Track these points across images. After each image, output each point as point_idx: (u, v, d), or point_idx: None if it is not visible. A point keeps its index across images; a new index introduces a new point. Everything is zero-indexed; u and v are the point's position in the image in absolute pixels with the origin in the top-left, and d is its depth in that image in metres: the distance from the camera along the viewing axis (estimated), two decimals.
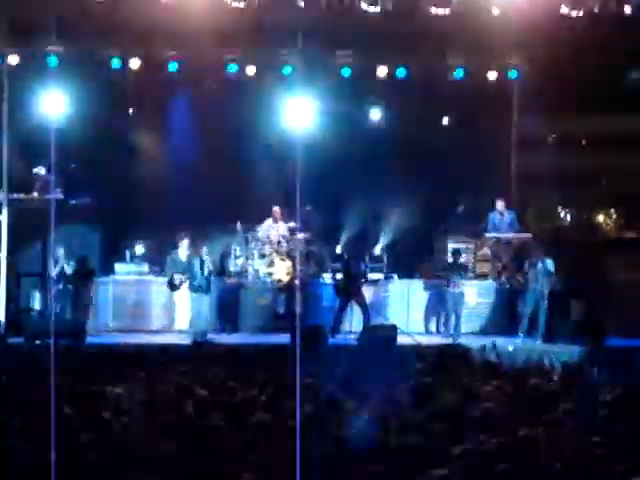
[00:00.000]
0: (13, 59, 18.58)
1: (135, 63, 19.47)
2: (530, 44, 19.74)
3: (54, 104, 19.95)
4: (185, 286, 18.30)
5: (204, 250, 18.23)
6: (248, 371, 13.10)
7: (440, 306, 19.18)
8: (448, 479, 8.09)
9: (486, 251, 20.23)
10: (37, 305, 18.33)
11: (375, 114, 21.39)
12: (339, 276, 19.14)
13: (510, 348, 17.24)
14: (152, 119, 20.87)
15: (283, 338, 17.53)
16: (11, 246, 17.58)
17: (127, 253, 19.67)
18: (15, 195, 18.33)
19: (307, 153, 21.24)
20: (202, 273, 18.02)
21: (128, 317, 18.88)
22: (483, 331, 19.42)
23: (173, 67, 19.69)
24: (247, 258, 19.79)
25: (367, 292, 19.04)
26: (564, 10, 18.01)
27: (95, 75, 19.45)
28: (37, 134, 19.64)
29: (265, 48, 19.86)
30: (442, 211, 20.84)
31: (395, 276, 20.15)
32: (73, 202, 19.10)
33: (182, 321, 18.62)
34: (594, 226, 22.95)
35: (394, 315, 18.88)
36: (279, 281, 19.49)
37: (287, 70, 20.09)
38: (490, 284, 19.93)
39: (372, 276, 19.59)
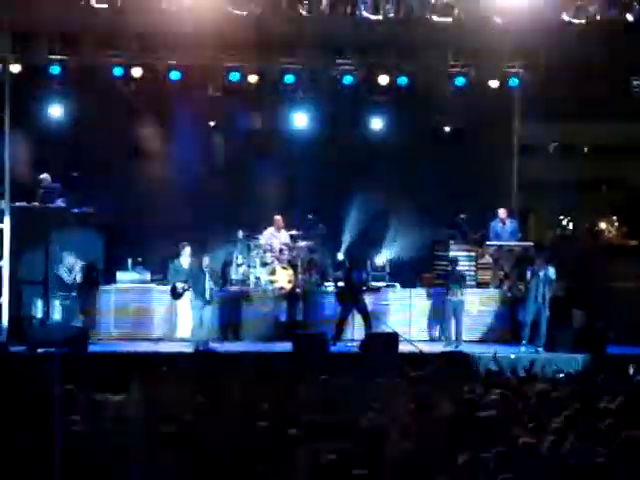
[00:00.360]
0: (15, 68, 18.58)
1: (137, 72, 19.47)
2: (532, 52, 19.75)
3: (56, 113, 20.12)
4: (187, 294, 18.30)
5: (205, 259, 18.22)
6: (250, 379, 13.11)
7: (440, 314, 19.15)
8: None
9: (488, 259, 20.22)
10: (39, 313, 18.32)
11: (376, 123, 21.39)
12: (341, 284, 19.13)
13: (512, 356, 17.24)
14: (154, 128, 20.88)
15: (285, 346, 17.54)
16: (13, 254, 17.54)
17: (129, 261, 19.66)
18: (17, 203, 18.33)
19: (309, 161, 21.47)
20: (203, 282, 18.00)
21: (130, 325, 18.87)
22: (485, 339, 19.41)
23: (175, 75, 19.69)
24: (249, 266, 19.78)
25: (369, 300, 19.03)
26: (566, 18, 18.00)
27: (97, 83, 19.44)
28: (40, 142, 19.79)
29: (267, 56, 19.86)
30: (444, 219, 20.82)
31: (397, 284, 20.14)
32: (75, 211, 19.10)
33: (184, 329, 18.61)
34: (596, 234, 22.97)
35: (396, 323, 18.86)
36: (281, 289, 19.49)
37: (289, 78, 20.09)
38: (492, 292, 19.93)
39: (374, 284, 19.58)
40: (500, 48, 19.52)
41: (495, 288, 20.03)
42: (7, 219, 17.49)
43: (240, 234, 20.07)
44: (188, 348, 17.62)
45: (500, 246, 20.09)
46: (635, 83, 19.52)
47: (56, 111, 20.06)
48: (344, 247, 20.76)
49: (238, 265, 19.85)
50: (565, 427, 10.16)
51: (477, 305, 19.62)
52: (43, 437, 9.71)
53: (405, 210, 20.47)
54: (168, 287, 18.65)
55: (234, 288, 19.57)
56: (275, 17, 18.61)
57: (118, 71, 19.40)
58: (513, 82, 20.55)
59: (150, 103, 20.19)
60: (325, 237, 20.52)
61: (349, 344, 18.46)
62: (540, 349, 18.22)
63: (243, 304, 19.28)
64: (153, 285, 19.39)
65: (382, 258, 20.51)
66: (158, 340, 18.54)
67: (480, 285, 20.10)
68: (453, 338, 18.64)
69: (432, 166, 20.77)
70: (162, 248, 19.71)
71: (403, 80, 20.29)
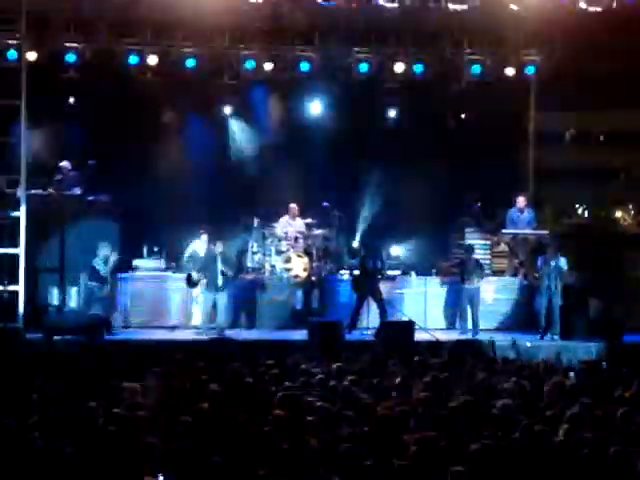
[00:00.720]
0: (31, 55, 18.62)
1: (153, 59, 19.49)
2: (547, 40, 19.70)
3: (72, 100, 20.18)
4: (203, 282, 18.34)
5: (218, 246, 18.23)
6: (266, 367, 13.13)
7: (457, 302, 19.13)
8: (465, 475, 8.09)
9: (503, 247, 20.19)
10: (55, 301, 18.39)
11: (392, 111, 21.38)
12: (356, 272, 19.13)
13: (528, 344, 17.22)
14: (170, 116, 20.90)
15: (301, 334, 17.55)
16: (29, 241, 17.59)
17: (145, 249, 19.69)
18: (33, 191, 18.37)
19: (324, 149, 21.45)
20: (215, 269, 18.01)
21: (146, 313, 18.91)
22: (501, 327, 19.38)
23: (191, 63, 19.71)
24: (264, 254, 19.79)
25: (384, 288, 19.02)
26: (582, 5, 17.93)
27: (113, 71, 19.48)
28: (56, 130, 19.84)
29: (282, 44, 19.85)
30: (459, 207, 20.78)
31: (413, 272, 20.13)
32: (91, 198, 19.14)
33: (200, 317, 18.62)
34: (612, 222, 22.88)
35: (411, 311, 18.85)
36: (296, 277, 19.49)
37: (304, 66, 20.08)
38: (508, 280, 19.90)
39: (389, 272, 19.57)
40: (516, 36, 19.47)
41: (511, 276, 20.01)
42: (23, 207, 17.53)
43: (255, 222, 20.08)
44: (203, 336, 17.64)
45: (516, 234, 20.05)
46: None
47: (72, 99, 20.12)
48: (359, 235, 20.76)
49: (253, 253, 19.86)
50: (580, 415, 10.15)
51: (493, 293, 19.59)
52: (59, 423, 9.78)
53: (421, 198, 20.43)
54: (184, 275, 18.68)
55: (249, 276, 19.59)
56: (291, 5, 18.60)
57: (134, 59, 19.43)
58: (529, 70, 20.50)
59: (166, 90, 20.19)
60: (340, 225, 20.51)
61: (365, 332, 18.45)
62: (556, 337, 18.18)
63: (258, 292, 19.28)
64: (169, 273, 19.42)
65: (398, 246, 20.50)
66: (174, 328, 18.57)
67: (496, 273, 20.08)
68: (469, 326, 18.62)
69: (448, 154, 20.72)
70: (178, 236, 19.75)
71: (419, 68, 20.26)
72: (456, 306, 19.18)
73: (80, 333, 16.54)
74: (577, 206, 23.34)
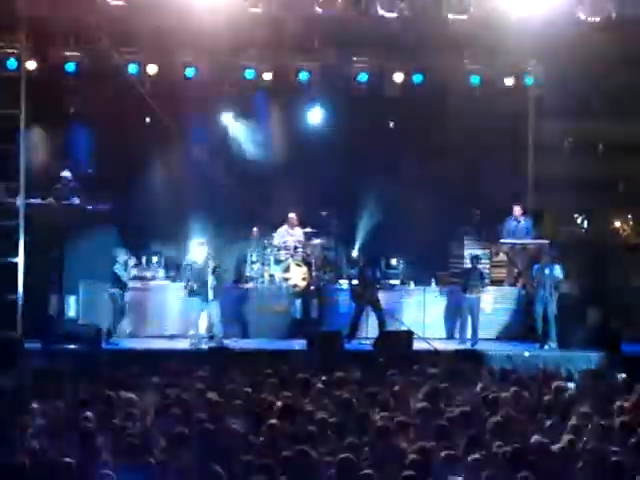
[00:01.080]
0: (31, 65, 18.65)
1: (152, 69, 19.51)
2: (547, 50, 19.70)
3: (72, 110, 20.21)
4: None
5: (209, 256, 18.15)
6: (264, 376, 13.12)
7: (457, 312, 19.11)
8: None
9: (502, 257, 20.18)
10: (54, 310, 18.37)
11: (390, 120, 21.42)
12: (355, 282, 19.12)
13: (526, 354, 17.21)
14: (169, 125, 20.90)
15: (300, 344, 17.54)
16: (28, 250, 17.58)
17: (144, 259, 19.69)
18: (32, 200, 18.38)
19: (323, 159, 21.47)
20: (205, 279, 17.94)
21: (144, 322, 18.89)
22: (500, 337, 19.37)
23: (190, 73, 19.73)
24: (263, 264, 19.79)
25: (383, 298, 19.00)
26: (580, 16, 17.94)
27: (113, 81, 19.50)
28: (55, 139, 19.86)
29: (282, 54, 19.87)
30: (458, 217, 20.77)
31: (412, 282, 20.12)
32: (90, 208, 19.14)
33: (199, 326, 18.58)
34: (611, 232, 22.87)
35: (410, 321, 18.83)
36: (295, 286, 19.48)
37: (304, 76, 20.11)
38: (507, 290, 19.88)
39: (388, 282, 19.56)
40: (515, 46, 19.46)
41: (509, 286, 19.99)
42: (22, 216, 17.52)
43: (255, 232, 20.10)
44: (198, 345, 17.58)
45: (514, 244, 20.05)
46: None
47: (72, 108, 20.15)
48: (358, 245, 20.76)
49: (252, 262, 19.87)
50: (579, 425, 10.15)
51: (492, 303, 19.58)
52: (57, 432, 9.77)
53: (419, 208, 20.44)
54: (182, 284, 18.67)
55: (248, 285, 19.59)
56: (290, 15, 18.62)
57: (133, 68, 19.45)
58: (528, 80, 20.54)
59: (165, 100, 20.20)
60: (339, 235, 20.51)
61: (363, 342, 18.44)
62: (553, 346, 18.17)
63: (257, 301, 19.25)
64: (168, 282, 19.40)
65: (397, 256, 20.48)
66: (172, 337, 18.54)
67: (494, 283, 20.06)
68: (469, 336, 18.60)
69: (447, 164, 20.73)
70: (177, 245, 19.74)
71: (418, 78, 20.30)
72: (456, 316, 19.16)
73: (79, 342, 16.52)
74: (576, 216, 23.32)
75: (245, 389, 12.14)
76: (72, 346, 16.32)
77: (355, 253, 20.58)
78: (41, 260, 18.02)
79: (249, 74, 20.00)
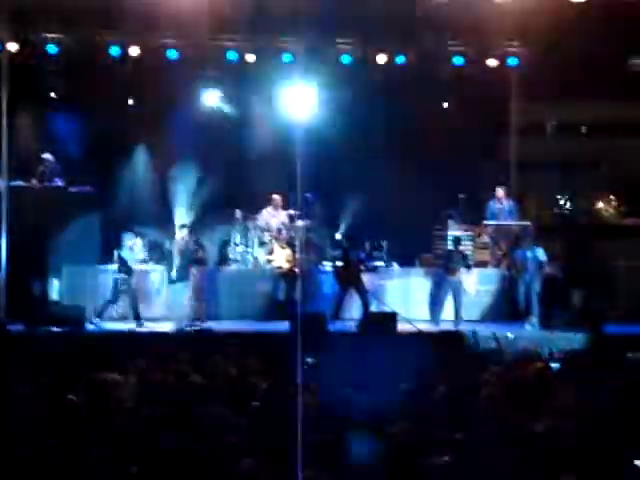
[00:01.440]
0: (12, 46, 18.56)
1: (134, 51, 19.45)
2: (530, 30, 19.71)
3: (54, 92, 20.14)
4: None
5: (178, 238, 18.13)
6: (247, 359, 13.12)
7: (439, 293, 19.12)
8: (449, 467, 8.11)
9: (485, 239, 20.22)
10: (37, 292, 18.34)
11: (373, 102, 21.38)
12: (339, 264, 19.13)
13: (509, 335, 17.25)
14: (150, 108, 20.85)
15: (283, 325, 17.55)
16: (11, 233, 17.53)
17: (127, 241, 19.64)
18: (15, 182, 18.33)
19: (306, 140, 21.34)
20: (171, 261, 17.94)
21: (128, 305, 18.85)
22: (484, 318, 19.42)
23: (172, 54, 19.67)
24: (247, 246, 19.79)
25: (367, 279, 19.02)
26: None
27: (94, 62, 19.43)
28: (38, 122, 19.79)
29: (265, 35, 19.82)
30: (443, 199, 20.78)
31: (395, 264, 20.15)
32: (73, 190, 19.09)
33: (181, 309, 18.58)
34: (594, 213, 22.96)
35: (394, 302, 18.86)
36: (279, 268, 19.49)
37: (287, 57, 20.06)
38: (490, 272, 19.93)
39: (372, 264, 19.58)
40: (499, 27, 19.47)
41: (493, 267, 20.04)
42: (4, 198, 17.46)
43: (238, 214, 20.08)
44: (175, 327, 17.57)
45: (498, 226, 20.09)
46: (633, 62, 19.48)
47: (54, 90, 20.08)
48: (342, 226, 20.75)
49: (236, 245, 19.86)
50: (563, 406, 10.18)
51: (475, 284, 19.61)
52: (41, 415, 9.76)
53: (403, 190, 20.43)
54: (165, 267, 18.65)
55: (232, 268, 19.59)
56: None
57: (115, 50, 19.39)
58: (512, 61, 20.55)
59: (148, 83, 20.14)
60: (323, 217, 20.50)
61: (347, 323, 18.46)
62: (533, 326, 18.24)
63: (241, 283, 19.27)
64: (150, 265, 19.37)
65: (380, 238, 20.50)
66: (155, 319, 18.53)
67: (478, 264, 20.10)
68: (453, 318, 18.62)
69: (430, 146, 20.72)
70: (160, 228, 19.70)
71: (401, 59, 20.29)
72: (438, 297, 19.18)
73: (62, 325, 16.50)
74: (559, 197, 23.39)
75: (229, 371, 12.13)
76: (55, 328, 16.31)
77: (339, 235, 20.57)
78: (24, 242, 17.95)
79: (232, 56, 19.94)
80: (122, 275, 18.05)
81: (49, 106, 20.37)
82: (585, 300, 19.09)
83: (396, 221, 20.26)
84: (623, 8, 18.15)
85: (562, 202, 23.39)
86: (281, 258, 19.57)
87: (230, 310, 19.02)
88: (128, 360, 12.81)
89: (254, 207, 20.25)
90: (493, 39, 20.15)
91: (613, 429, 9.38)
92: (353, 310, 18.91)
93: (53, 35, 19.17)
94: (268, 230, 19.82)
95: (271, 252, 19.62)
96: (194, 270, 18.27)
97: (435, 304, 19.04)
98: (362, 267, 19.01)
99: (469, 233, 20.21)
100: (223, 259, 20.03)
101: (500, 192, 20.32)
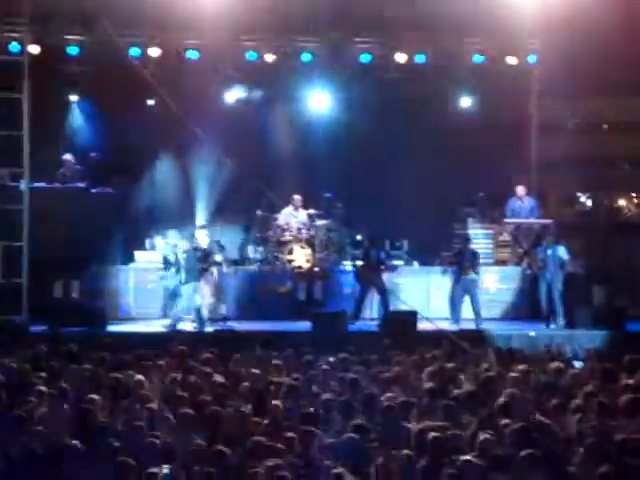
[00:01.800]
0: (33, 48, 18.64)
1: (154, 52, 19.50)
2: (549, 28, 19.64)
3: (75, 93, 20.23)
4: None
5: (188, 240, 18.12)
6: (269, 358, 13.15)
7: (457, 292, 18.97)
8: (473, 464, 8.11)
9: (506, 237, 20.16)
10: (59, 293, 18.41)
11: (393, 101, 21.40)
12: (359, 263, 19.10)
13: (531, 334, 17.21)
14: (170, 108, 20.86)
15: (304, 325, 17.56)
16: (33, 234, 17.60)
17: (147, 241, 19.70)
18: (37, 184, 18.41)
19: (327, 141, 21.40)
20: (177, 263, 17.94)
21: (148, 305, 18.90)
22: (505, 317, 19.36)
23: (192, 55, 19.72)
24: (267, 245, 19.80)
25: (387, 278, 18.99)
26: None
27: (115, 64, 19.48)
28: (58, 123, 19.87)
29: (284, 35, 19.83)
30: (463, 197, 20.73)
31: (415, 263, 20.12)
32: (94, 191, 19.16)
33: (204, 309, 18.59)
34: (615, 210, 22.87)
35: (414, 301, 18.78)
36: (299, 268, 19.49)
37: (307, 57, 20.08)
38: (511, 270, 19.86)
39: (392, 263, 19.54)
40: (519, 24, 19.40)
41: (514, 266, 19.97)
42: (27, 200, 17.54)
43: (258, 213, 20.10)
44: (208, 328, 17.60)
45: (519, 224, 20.03)
46: None
47: (75, 91, 20.17)
48: (362, 226, 20.71)
49: (256, 244, 19.87)
50: (584, 404, 10.16)
51: (496, 283, 19.57)
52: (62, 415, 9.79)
53: (424, 189, 20.40)
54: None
55: (252, 267, 19.61)
56: None
57: (135, 51, 19.44)
58: (531, 58, 20.50)
59: (168, 83, 20.17)
60: (343, 216, 20.49)
61: (368, 322, 18.45)
62: (559, 326, 18.15)
63: (261, 283, 19.28)
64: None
65: (400, 237, 20.47)
66: (178, 320, 18.54)
67: (498, 263, 20.05)
68: (473, 317, 18.50)
69: (451, 144, 20.66)
70: (181, 229, 19.74)
71: (421, 58, 20.26)
72: (456, 296, 19.05)
73: (84, 325, 16.56)
74: (580, 194, 23.32)
75: (250, 371, 12.16)
76: (77, 329, 16.36)
77: (359, 235, 20.54)
78: (46, 243, 18.00)
79: (251, 56, 19.97)
80: (167, 273, 18.02)
81: (70, 107, 20.43)
82: (607, 298, 19.02)
83: (416, 220, 20.23)
84: None
85: (583, 200, 23.31)
86: (301, 258, 19.57)
87: (251, 310, 19.03)
88: (150, 360, 12.87)
89: (275, 207, 20.25)
90: (512, 37, 20.08)
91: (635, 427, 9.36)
92: (373, 310, 18.89)
93: (74, 37, 19.23)
94: (288, 230, 19.82)
95: (291, 252, 19.62)
96: (214, 270, 18.30)
97: (454, 303, 18.95)
98: (382, 266, 18.97)
99: (490, 231, 20.16)
100: (243, 259, 20.05)
101: (520, 190, 20.26)
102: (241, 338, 15.78)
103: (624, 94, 20.90)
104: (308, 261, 19.54)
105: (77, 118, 20.47)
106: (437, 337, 15.40)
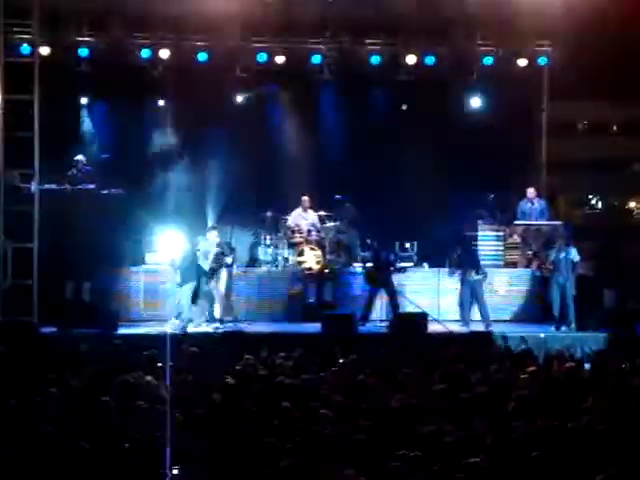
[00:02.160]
0: (44, 50, 18.69)
1: (165, 53, 19.54)
2: (560, 29, 19.63)
3: (86, 94, 20.29)
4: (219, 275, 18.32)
5: (199, 241, 18.16)
6: (279, 360, 13.16)
7: (465, 294, 18.91)
8: (482, 467, 8.10)
9: (516, 239, 20.13)
10: (69, 294, 18.43)
11: (405, 103, 21.42)
12: (369, 265, 19.10)
13: (541, 336, 17.18)
14: (181, 109, 20.92)
15: (314, 327, 17.56)
16: (43, 235, 17.61)
17: (158, 243, 19.71)
18: (47, 186, 18.44)
19: (337, 142, 21.40)
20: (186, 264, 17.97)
21: (159, 306, 18.91)
22: (514, 319, 19.33)
23: (203, 57, 19.74)
24: (277, 247, 19.81)
25: (397, 280, 18.97)
26: None
27: (125, 65, 19.53)
28: (70, 124, 19.91)
29: (294, 37, 19.85)
30: (473, 199, 20.71)
31: (425, 264, 20.12)
32: (105, 192, 19.18)
33: (214, 310, 18.60)
34: (626, 212, 22.84)
35: (424, 303, 18.78)
36: (309, 270, 19.49)
37: (316, 59, 20.09)
38: (521, 272, 19.83)
39: (402, 264, 19.52)
40: (529, 26, 19.40)
41: (524, 268, 19.94)
42: (37, 201, 17.56)
43: (268, 214, 20.12)
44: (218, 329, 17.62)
45: (528, 225, 20.01)
46: None
47: (85, 93, 20.23)
48: (372, 228, 20.71)
49: (266, 246, 19.88)
50: (595, 406, 10.15)
51: (505, 285, 19.55)
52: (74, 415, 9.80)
53: (434, 190, 20.40)
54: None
55: (262, 269, 19.61)
56: None
57: (146, 53, 19.47)
58: (542, 60, 20.48)
59: (178, 85, 20.23)
60: (353, 218, 20.48)
61: (378, 324, 18.44)
62: (569, 328, 18.11)
63: (271, 285, 19.28)
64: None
65: (410, 239, 20.46)
66: (188, 321, 18.56)
67: (508, 265, 20.02)
68: (480, 318, 18.48)
69: (461, 146, 20.65)
70: (191, 231, 19.77)
71: (430, 60, 20.25)
72: (463, 298, 19.01)
73: (95, 327, 16.58)
74: (591, 197, 23.30)
75: (260, 373, 12.17)
76: (88, 330, 16.38)
77: (369, 236, 20.53)
78: (56, 245, 18.02)
79: (261, 58, 19.98)
80: (202, 278, 18.06)
81: (80, 109, 20.47)
82: (617, 300, 18.98)
83: (426, 222, 20.22)
84: None
85: (593, 202, 23.29)
86: (311, 259, 19.58)
87: (260, 311, 19.05)
88: (159, 362, 12.87)
89: (284, 208, 20.27)
90: (523, 38, 20.07)
91: None
92: (383, 311, 18.87)
93: (84, 38, 19.28)
94: (298, 231, 19.83)
95: (301, 253, 19.63)
96: (224, 272, 18.31)
97: (463, 305, 18.93)
98: (392, 268, 18.96)
99: (499, 233, 20.14)
100: (253, 260, 20.07)
101: (531, 192, 20.24)
102: (251, 340, 15.78)
103: (635, 96, 20.87)
104: (318, 263, 19.54)
105: (88, 119, 20.49)
106: (447, 339, 15.40)
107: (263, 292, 19.23)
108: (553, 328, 18.14)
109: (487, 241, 19.90)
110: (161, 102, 20.71)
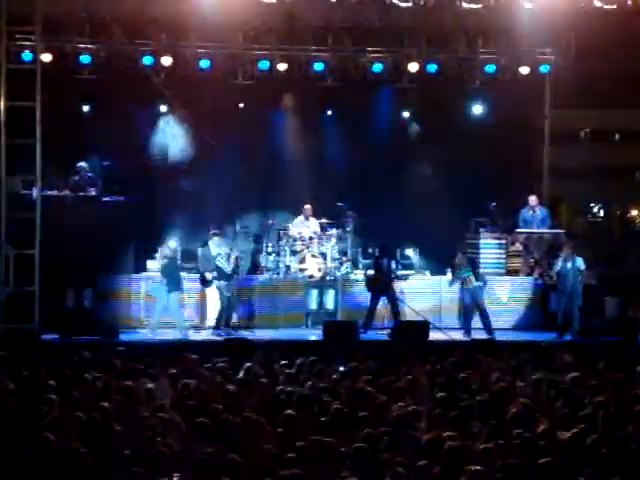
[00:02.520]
0: (46, 57, 18.70)
1: (167, 60, 19.55)
2: (562, 38, 19.65)
3: (88, 101, 20.31)
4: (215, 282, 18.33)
5: (212, 245, 18.23)
6: (280, 367, 13.14)
7: (466, 302, 18.88)
8: (481, 475, 8.08)
9: (518, 247, 20.12)
10: (71, 302, 18.42)
11: (406, 110, 21.42)
12: (370, 272, 19.10)
13: (543, 344, 17.16)
14: (183, 116, 20.94)
15: (315, 334, 17.56)
16: (44, 242, 17.60)
17: (159, 250, 19.69)
18: (49, 192, 18.45)
19: (338, 150, 21.42)
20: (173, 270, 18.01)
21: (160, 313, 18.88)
22: (516, 327, 19.31)
23: (205, 64, 19.75)
24: (279, 255, 19.81)
25: (398, 288, 18.97)
26: (596, 3, 17.90)
27: (127, 72, 19.54)
28: (71, 131, 19.91)
29: (296, 44, 19.86)
30: (475, 207, 20.70)
31: (427, 272, 20.11)
32: (106, 199, 19.18)
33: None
34: (628, 220, 22.82)
35: (425, 311, 18.79)
36: (311, 277, 19.49)
37: (319, 67, 20.10)
38: (523, 280, 19.82)
39: (403, 272, 19.53)
40: (531, 34, 19.40)
41: (526, 276, 19.92)
42: (38, 208, 17.56)
43: (270, 222, 20.13)
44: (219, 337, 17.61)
45: (530, 233, 20.00)
46: None
47: (87, 100, 20.25)
48: (374, 235, 20.71)
49: (268, 254, 19.88)
50: (595, 414, 10.12)
51: (508, 293, 19.53)
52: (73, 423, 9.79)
53: (436, 198, 20.40)
54: (198, 275, 18.68)
55: (264, 276, 19.61)
56: (304, 5, 18.62)
57: (148, 60, 19.48)
58: (544, 68, 20.49)
59: (180, 92, 20.25)
60: (355, 225, 20.48)
61: (379, 332, 18.44)
62: (571, 337, 18.09)
63: (273, 292, 19.28)
64: (184, 274, 19.37)
65: (411, 246, 20.45)
66: (189, 328, 18.56)
67: (510, 273, 20.01)
68: (481, 326, 18.46)
69: (463, 154, 20.65)
70: (193, 237, 19.78)
71: (432, 67, 20.26)
72: (464, 306, 18.98)
73: (96, 334, 16.57)
74: (592, 205, 23.28)
75: (262, 380, 12.15)
76: (89, 337, 16.38)
77: (370, 244, 20.53)
78: (58, 252, 18.00)
79: (263, 65, 19.99)
80: (221, 283, 18.12)
81: (83, 115, 20.48)
82: (619, 309, 18.96)
83: (428, 229, 20.21)
84: None
85: (595, 210, 23.27)
86: (313, 267, 19.57)
87: (262, 318, 19.03)
88: (162, 368, 12.87)
89: (286, 216, 20.28)
90: (525, 46, 20.08)
91: None
92: (385, 319, 18.86)
93: (86, 45, 19.29)
94: (300, 239, 19.83)
95: (303, 261, 19.62)
96: (224, 279, 18.30)
97: (464, 313, 18.93)
98: (394, 275, 18.96)
99: (502, 241, 20.12)
100: (255, 267, 20.07)
101: (533, 199, 20.23)
102: (252, 347, 15.76)
103: (636, 104, 20.87)
104: (320, 270, 19.53)
105: (90, 126, 20.49)
106: (448, 347, 15.38)
107: (265, 299, 19.22)
108: (555, 336, 18.13)
109: (489, 249, 19.90)
110: (163, 109, 20.71)
